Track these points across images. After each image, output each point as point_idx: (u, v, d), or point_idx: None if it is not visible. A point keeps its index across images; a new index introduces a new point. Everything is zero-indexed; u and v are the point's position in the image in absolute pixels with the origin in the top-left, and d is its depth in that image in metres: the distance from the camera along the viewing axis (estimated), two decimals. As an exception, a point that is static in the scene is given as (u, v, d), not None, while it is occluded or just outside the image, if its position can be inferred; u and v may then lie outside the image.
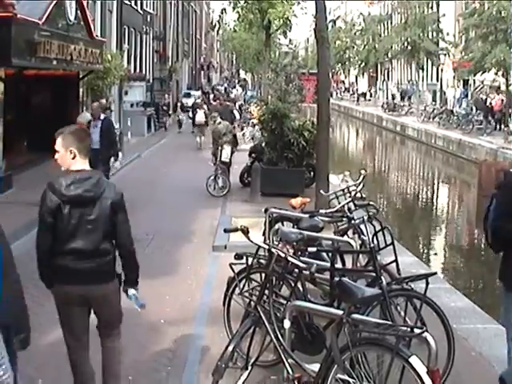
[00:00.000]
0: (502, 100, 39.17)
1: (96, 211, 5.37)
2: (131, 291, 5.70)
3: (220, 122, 19.55)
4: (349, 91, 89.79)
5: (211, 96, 48.60)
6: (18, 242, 10.70)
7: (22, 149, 19.32)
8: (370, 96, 78.52)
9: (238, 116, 32.42)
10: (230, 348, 5.74)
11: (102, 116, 15.63)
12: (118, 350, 5.82)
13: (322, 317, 6.38)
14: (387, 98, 66.28)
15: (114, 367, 5.78)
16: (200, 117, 31.63)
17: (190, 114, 38.33)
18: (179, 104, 43.11)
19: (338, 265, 7.81)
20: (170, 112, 42.67)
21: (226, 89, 65.15)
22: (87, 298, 5.38)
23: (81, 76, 22.82)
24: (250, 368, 5.94)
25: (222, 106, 28.59)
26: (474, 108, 42.63)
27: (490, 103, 40.19)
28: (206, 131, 29.20)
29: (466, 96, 50.29)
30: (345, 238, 8.76)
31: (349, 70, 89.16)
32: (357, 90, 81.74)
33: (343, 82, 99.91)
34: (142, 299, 5.75)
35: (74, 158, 5.44)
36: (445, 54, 51.43)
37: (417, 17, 51.48)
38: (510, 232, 5.75)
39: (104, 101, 23.79)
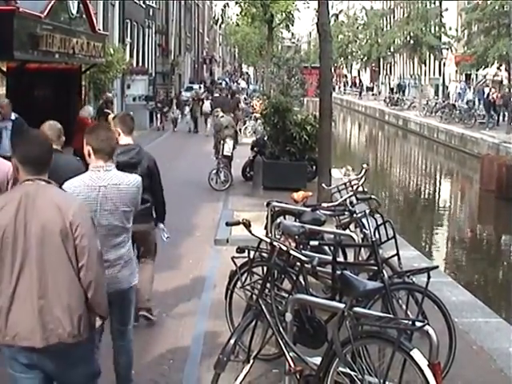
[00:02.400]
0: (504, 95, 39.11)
1: (138, 172, 6.81)
2: (161, 225, 8.08)
3: (222, 116, 19.56)
4: (352, 85, 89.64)
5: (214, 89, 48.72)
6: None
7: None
8: (372, 90, 78.48)
9: (243, 105, 35.75)
10: (232, 341, 5.76)
11: (13, 116, 13.35)
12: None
13: (323, 310, 6.40)
14: (388, 93, 66.47)
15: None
16: (206, 106, 34.86)
17: (187, 110, 37.55)
18: (174, 100, 39.71)
19: (340, 258, 7.80)
20: (166, 109, 37.45)
21: (227, 83, 65.12)
22: (134, 232, 6.13)
23: (83, 70, 22.82)
24: (251, 361, 5.94)
25: (222, 97, 32.16)
26: (477, 101, 42.74)
27: (493, 97, 40.15)
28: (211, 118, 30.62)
29: (469, 88, 50.25)
30: (347, 231, 8.78)
31: (351, 65, 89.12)
32: (361, 84, 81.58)
33: (345, 76, 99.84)
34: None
35: (119, 135, 7.13)
36: (447, 49, 51.35)
37: (419, 11, 51.39)
38: None
39: (110, 94, 23.87)
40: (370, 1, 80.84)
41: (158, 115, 36.42)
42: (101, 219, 5.35)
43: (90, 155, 5.60)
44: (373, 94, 75.33)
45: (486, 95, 41.11)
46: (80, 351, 4.42)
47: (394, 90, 65.67)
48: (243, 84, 62.07)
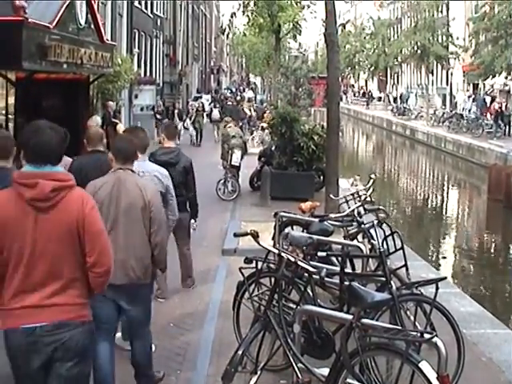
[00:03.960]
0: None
1: (176, 170, 8.78)
2: (192, 221, 9.67)
3: (230, 126, 19.59)
4: (359, 95, 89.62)
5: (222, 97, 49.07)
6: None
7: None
8: (381, 100, 78.47)
9: (248, 112, 37.79)
10: (240, 352, 5.76)
11: None
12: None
13: (331, 321, 6.39)
14: (395, 102, 66.59)
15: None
16: (215, 114, 36.48)
17: (188, 122, 35.55)
18: (176, 111, 37.75)
19: (348, 269, 7.79)
20: (165, 121, 33.18)
21: (232, 92, 65.25)
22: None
23: (91, 80, 22.86)
24: (259, 372, 5.94)
25: (232, 106, 34.50)
26: (474, 108, 42.97)
27: (500, 107, 40.13)
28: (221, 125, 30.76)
29: (468, 98, 50.45)
30: (354, 242, 8.77)
31: (358, 74, 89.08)
32: (369, 93, 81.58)
33: (353, 85, 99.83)
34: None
35: (163, 139, 9.24)
36: (454, 58, 51.38)
37: (426, 21, 51.33)
38: None
39: (111, 103, 23.87)
40: (377, 10, 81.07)
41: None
42: None
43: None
44: (379, 99, 75.32)
45: (488, 104, 41.25)
46: (143, 292, 6.14)
47: (397, 100, 65.96)
48: (250, 94, 62.16)
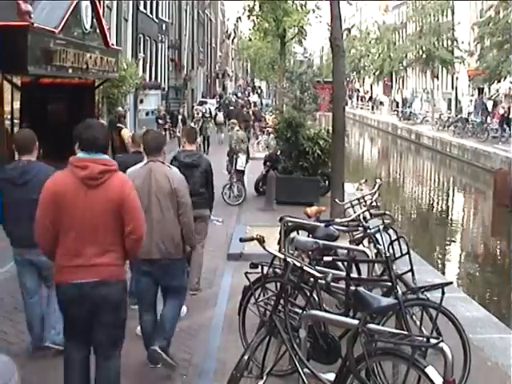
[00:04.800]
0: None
1: (198, 171, 9.49)
2: (212, 215, 10.36)
3: (238, 130, 19.64)
4: (365, 99, 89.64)
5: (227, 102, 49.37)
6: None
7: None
8: (384, 104, 78.51)
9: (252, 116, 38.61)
10: (246, 357, 5.74)
11: None
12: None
13: (337, 326, 6.38)
14: (397, 107, 66.66)
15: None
16: (219, 117, 37.61)
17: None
18: (180, 116, 36.18)
19: (354, 274, 7.78)
20: (167, 126, 34.33)
21: (237, 96, 65.38)
22: (196, 217, 8.22)
23: (96, 84, 22.90)
24: (265, 377, 5.92)
25: (238, 109, 35.78)
26: (473, 109, 43.11)
27: (505, 111, 40.11)
28: (224, 129, 33.23)
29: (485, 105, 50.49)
30: (360, 247, 8.76)
31: (364, 79, 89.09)
32: (375, 98, 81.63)
33: (358, 90, 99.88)
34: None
35: (185, 143, 9.82)
36: (460, 63, 51.37)
37: (432, 25, 51.37)
38: None
39: (121, 109, 23.89)
40: (382, 15, 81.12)
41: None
42: None
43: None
44: (381, 103, 75.46)
45: (490, 108, 41.38)
46: (175, 265, 7.16)
47: (400, 104, 66.07)
48: (254, 98, 62.35)
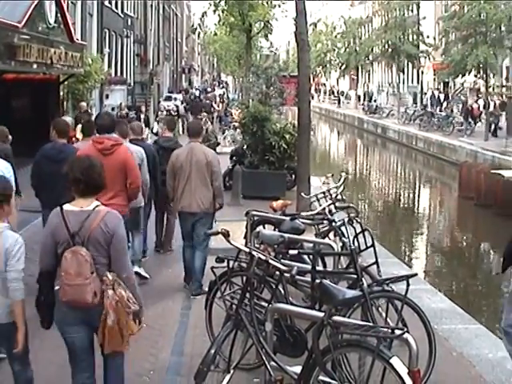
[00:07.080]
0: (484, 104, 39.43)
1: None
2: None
3: (208, 123, 19.72)
4: (331, 93, 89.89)
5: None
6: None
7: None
8: (351, 98, 78.84)
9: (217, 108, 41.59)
10: (212, 351, 5.74)
11: None
12: None
13: (303, 319, 6.40)
14: (364, 100, 67.06)
15: None
16: (181, 109, 38.83)
17: (156, 128, 31.11)
18: (143, 116, 33.69)
19: (319, 267, 7.81)
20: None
21: (207, 91, 65.31)
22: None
23: (61, 80, 22.73)
24: (231, 371, 5.92)
25: (196, 102, 39.10)
26: (455, 108, 43.49)
27: (471, 106, 40.48)
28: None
29: (438, 98, 51.41)
30: (326, 240, 8.79)
31: (330, 73, 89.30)
32: (339, 92, 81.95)
33: (324, 84, 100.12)
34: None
35: (164, 130, 12.51)
36: (425, 57, 51.72)
37: (397, 19, 51.61)
38: None
39: (84, 104, 23.73)
40: (348, 9, 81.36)
41: None
42: None
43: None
44: (346, 96, 75.93)
45: (442, 99, 42.25)
46: (207, 217, 9.71)
47: (366, 98, 66.56)
48: (220, 91, 62.55)
